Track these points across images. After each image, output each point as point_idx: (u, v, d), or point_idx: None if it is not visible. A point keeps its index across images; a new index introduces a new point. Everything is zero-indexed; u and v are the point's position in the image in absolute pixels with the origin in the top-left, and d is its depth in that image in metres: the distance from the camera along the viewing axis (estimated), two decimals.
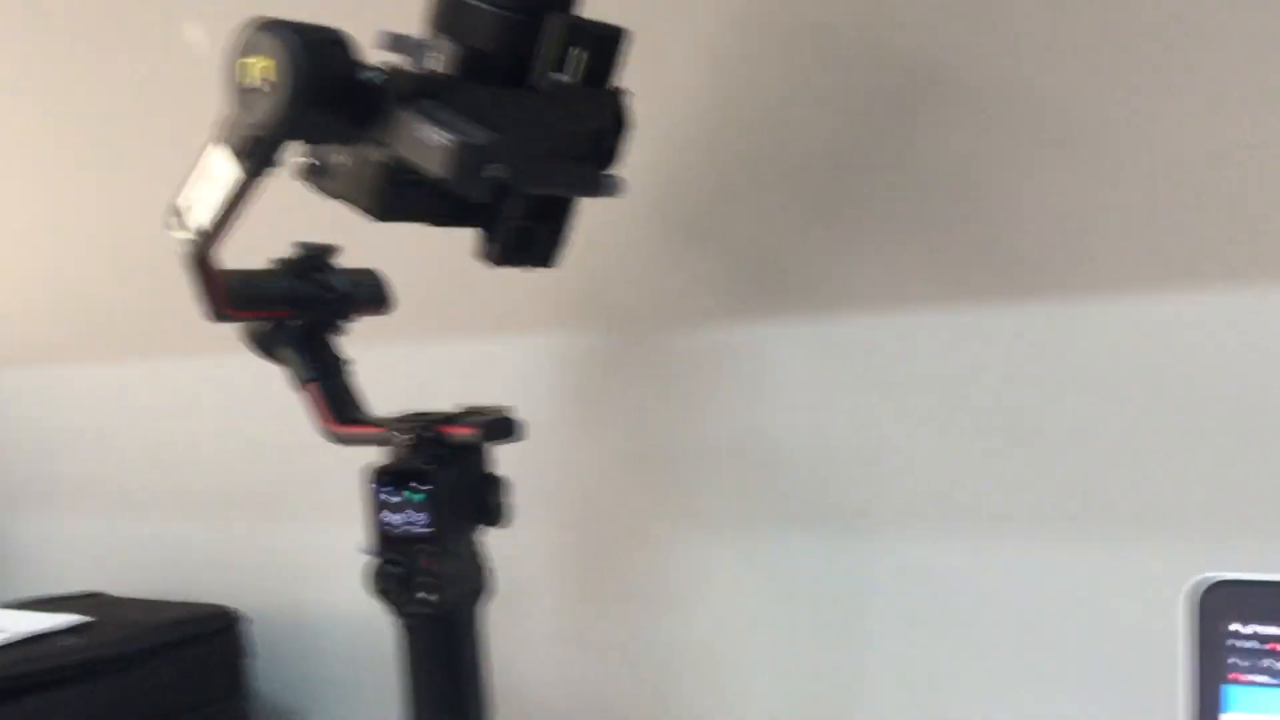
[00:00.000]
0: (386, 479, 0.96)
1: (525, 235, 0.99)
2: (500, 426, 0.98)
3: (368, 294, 1.08)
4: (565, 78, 0.93)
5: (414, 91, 0.84)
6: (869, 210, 1.06)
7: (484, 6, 0.90)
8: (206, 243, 0.92)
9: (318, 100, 0.82)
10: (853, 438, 1.08)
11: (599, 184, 0.99)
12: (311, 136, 0.86)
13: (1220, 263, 0.94)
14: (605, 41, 0.96)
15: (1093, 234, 0.97)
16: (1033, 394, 1.01)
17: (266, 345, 1.04)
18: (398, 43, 0.85)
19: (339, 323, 1.07)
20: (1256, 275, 0.93)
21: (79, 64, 1.56)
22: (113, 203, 1.56)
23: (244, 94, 0.84)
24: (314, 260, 1.05)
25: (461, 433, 0.96)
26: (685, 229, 1.15)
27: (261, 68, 0.83)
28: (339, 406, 1.03)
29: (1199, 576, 0.72)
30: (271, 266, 1.04)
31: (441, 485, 0.96)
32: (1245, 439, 0.93)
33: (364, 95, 0.84)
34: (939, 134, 1.02)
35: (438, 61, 0.93)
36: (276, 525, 1.44)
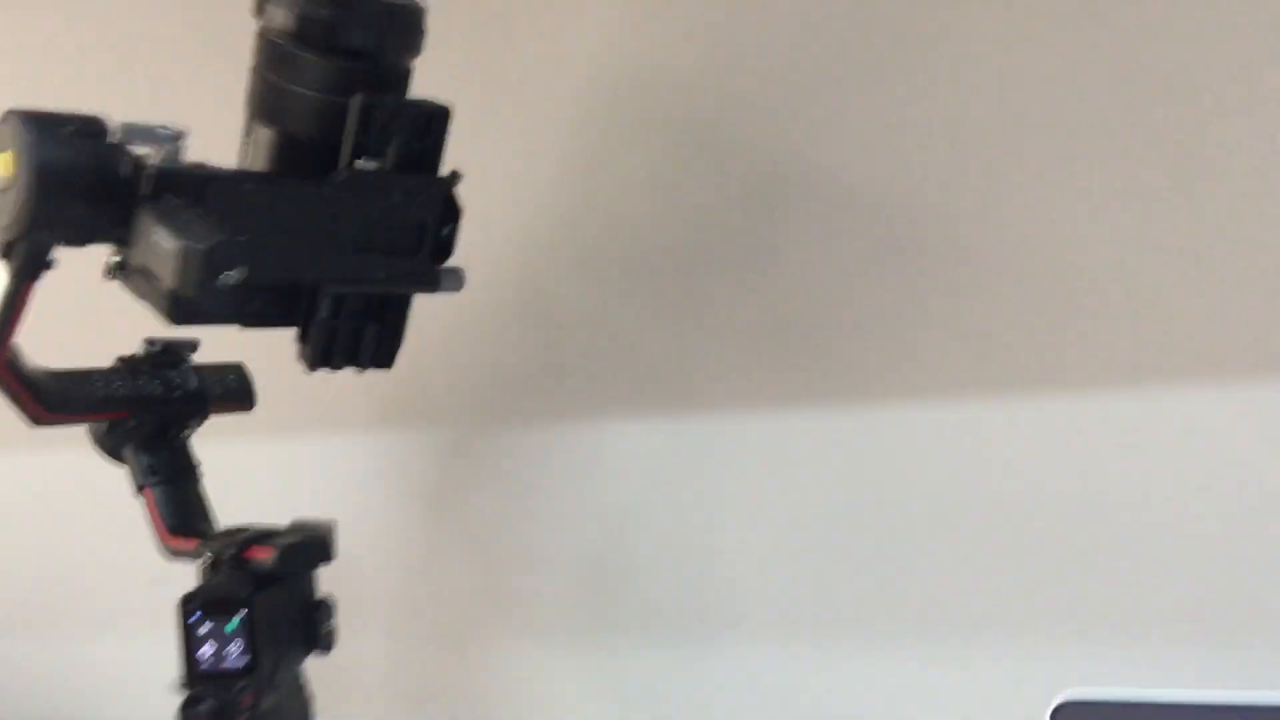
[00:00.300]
0: (195, 606, 0.87)
1: (350, 335, 0.90)
2: (303, 551, 0.88)
3: (224, 391, 1.00)
4: (372, 164, 0.84)
5: (158, 188, 0.76)
6: (717, 310, 0.99)
7: (299, 90, 0.82)
8: None
9: (61, 197, 0.75)
10: (693, 541, 1.02)
11: (429, 279, 0.89)
12: (66, 237, 0.79)
13: (1061, 371, 0.89)
14: (426, 122, 0.86)
15: (934, 340, 0.92)
16: (877, 499, 0.95)
17: (107, 446, 0.97)
18: (142, 134, 0.77)
19: (190, 423, 0.98)
20: (1094, 383, 0.87)
21: None
22: None
23: None
24: (163, 356, 0.98)
25: (259, 557, 0.87)
26: (526, 323, 1.07)
27: (4, 163, 0.76)
28: (176, 516, 0.95)
29: (1060, 696, 0.67)
30: (113, 365, 0.97)
31: (258, 614, 0.87)
32: (1096, 547, 0.87)
33: (117, 191, 0.76)
34: (790, 237, 0.97)
35: (254, 150, 0.86)
36: (55, 642, 1.33)
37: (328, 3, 0.82)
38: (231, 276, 0.72)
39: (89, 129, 0.76)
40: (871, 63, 0.93)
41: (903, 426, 0.93)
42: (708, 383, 0.99)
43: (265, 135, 0.86)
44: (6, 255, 0.80)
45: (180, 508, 0.96)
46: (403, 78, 0.88)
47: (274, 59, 0.84)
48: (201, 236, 0.72)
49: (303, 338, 0.88)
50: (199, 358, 0.99)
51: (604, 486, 1.04)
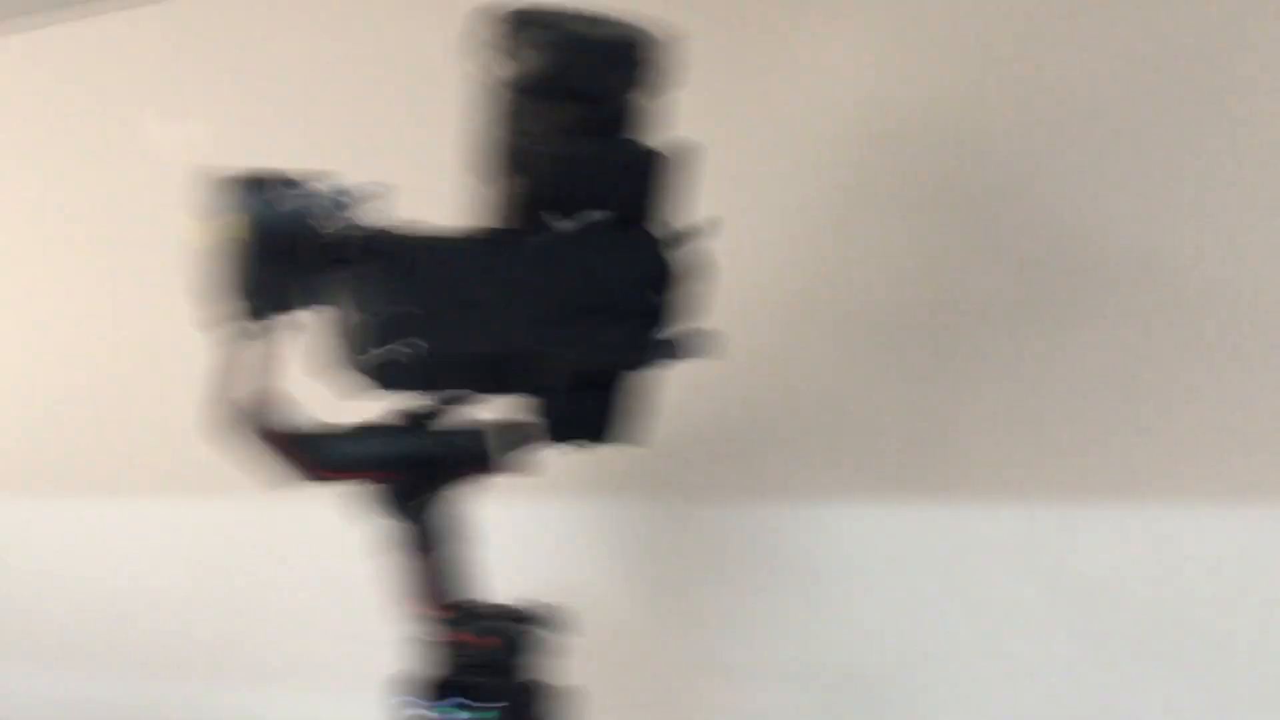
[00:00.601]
0: (449, 692, 0.84)
1: (581, 407, 0.83)
2: (527, 644, 0.82)
3: (498, 452, 0.97)
4: (569, 224, 0.77)
5: (350, 254, 0.73)
6: (974, 388, 0.89)
7: (528, 142, 0.78)
8: (254, 414, 0.87)
9: (266, 261, 0.75)
10: (935, 641, 0.91)
11: (661, 346, 0.80)
12: (274, 300, 0.79)
13: None
14: (644, 170, 0.78)
15: (1234, 446, 0.80)
16: (1156, 609, 0.83)
17: (383, 501, 0.97)
18: (339, 195, 0.74)
19: (466, 483, 0.96)
20: None
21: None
22: (45, 332, 1.40)
23: (212, 257, 0.79)
24: (438, 414, 0.96)
25: (487, 644, 0.82)
26: (763, 393, 0.98)
27: (216, 228, 0.78)
28: (435, 579, 0.93)
29: None
30: (394, 419, 0.97)
31: (517, 707, 0.82)
32: None
33: (318, 256, 0.75)
34: (1067, 315, 0.86)
35: (487, 207, 0.82)
36: (235, 690, 1.28)
37: (554, 48, 0.76)
38: (401, 352, 0.68)
39: (287, 193, 0.75)
40: (1170, 126, 0.80)
41: (1192, 531, 0.81)
42: (960, 468, 0.89)
43: (498, 191, 0.81)
44: (234, 319, 0.81)
45: (438, 573, 0.93)
46: (636, 118, 0.80)
47: (502, 112, 0.79)
48: (373, 310, 0.68)
49: (531, 408, 0.82)
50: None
51: (838, 573, 0.95)
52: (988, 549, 0.87)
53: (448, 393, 0.87)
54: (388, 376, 0.69)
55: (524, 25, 0.75)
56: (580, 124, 0.77)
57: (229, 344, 0.81)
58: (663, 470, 1.03)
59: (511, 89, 0.76)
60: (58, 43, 1.38)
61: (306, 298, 0.78)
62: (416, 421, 0.95)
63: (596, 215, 0.77)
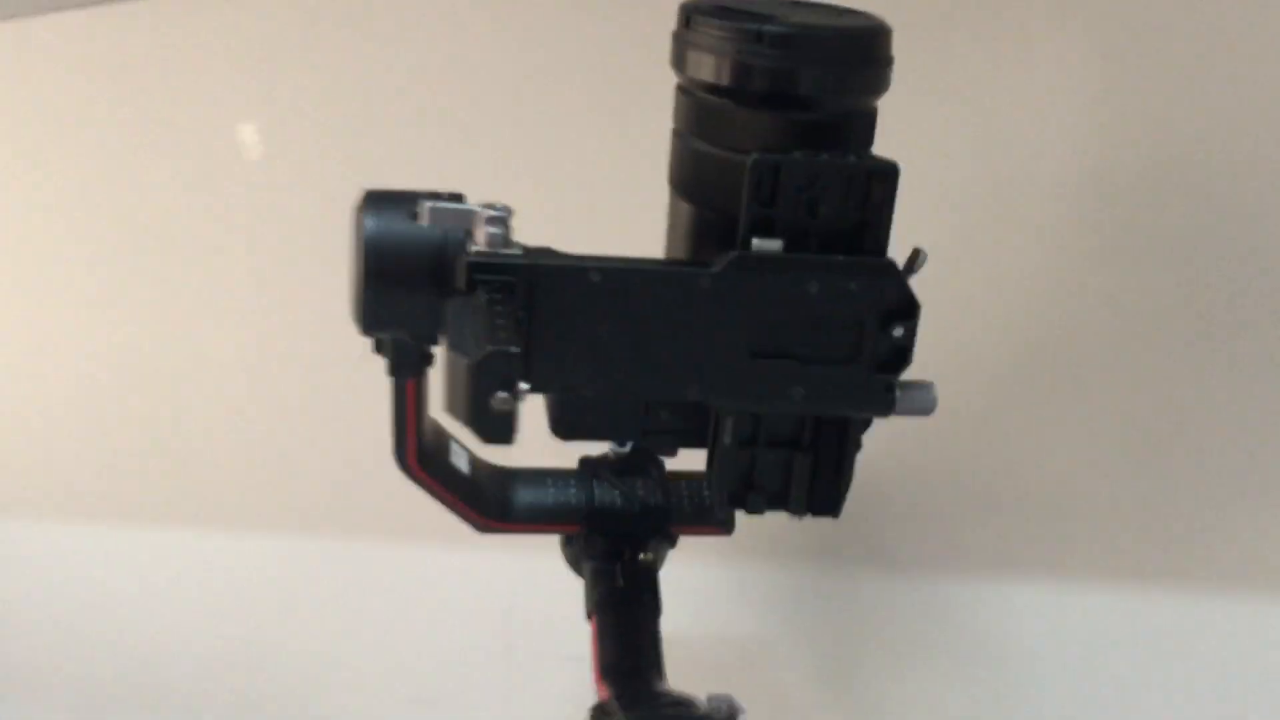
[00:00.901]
0: None
1: (774, 469, 0.68)
2: None
3: (695, 510, 0.83)
4: (774, 244, 0.62)
5: (470, 280, 0.61)
6: (1202, 461, 0.75)
7: (730, 155, 0.64)
8: (402, 453, 0.76)
9: (388, 288, 0.64)
10: None
11: (874, 398, 0.65)
12: (410, 331, 0.68)
13: None
14: (863, 185, 0.62)
15: None
16: None
17: (567, 557, 0.86)
18: (457, 215, 0.62)
19: (651, 543, 0.83)
20: None
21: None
22: (105, 343, 1.25)
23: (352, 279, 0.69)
24: (629, 460, 0.84)
25: None
26: (949, 453, 0.85)
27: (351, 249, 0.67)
28: (612, 655, 0.80)
29: None
30: (577, 466, 0.85)
31: None
32: None
33: (439, 281, 0.64)
34: None
35: (676, 230, 0.69)
36: None
37: (773, 43, 0.61)
38: (505, 400, 0.55)
39: (407, 214, 0.63)
40: None
41: None
42: (1214, 555, 0.75)
43: (688, 211, 0.68)
44: (379, 352, 0.70)
45: (619, 646, 0.81)
46: (863, 127, 0.65)
47: (700, 119, 0.65)
48: (473, 348, 0.55)
49: (709, 469, 0.68)
50: None
51: (1054, 672, 0.82)
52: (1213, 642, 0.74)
53: (643, 441, 0.75)
54: (489, 429, 0.56)
55: (730, 18, 0.61)
56: (795, 132, 0.62)
57: (390, 378, 0.71)
58: (847, 535, 0.91)
59: (714, 92, 0.63)
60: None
61: (431, 329, 0.65)
62: (602, 470, 0.83)
63: (775, 243, 0.62)
